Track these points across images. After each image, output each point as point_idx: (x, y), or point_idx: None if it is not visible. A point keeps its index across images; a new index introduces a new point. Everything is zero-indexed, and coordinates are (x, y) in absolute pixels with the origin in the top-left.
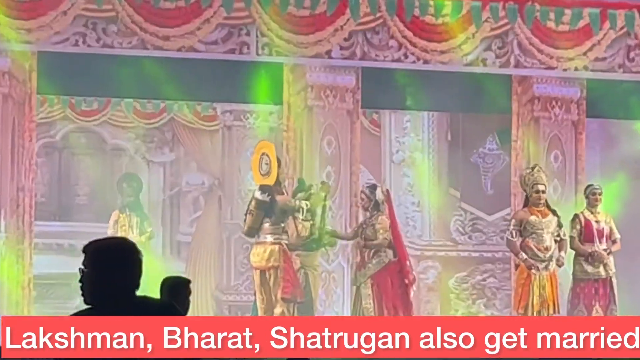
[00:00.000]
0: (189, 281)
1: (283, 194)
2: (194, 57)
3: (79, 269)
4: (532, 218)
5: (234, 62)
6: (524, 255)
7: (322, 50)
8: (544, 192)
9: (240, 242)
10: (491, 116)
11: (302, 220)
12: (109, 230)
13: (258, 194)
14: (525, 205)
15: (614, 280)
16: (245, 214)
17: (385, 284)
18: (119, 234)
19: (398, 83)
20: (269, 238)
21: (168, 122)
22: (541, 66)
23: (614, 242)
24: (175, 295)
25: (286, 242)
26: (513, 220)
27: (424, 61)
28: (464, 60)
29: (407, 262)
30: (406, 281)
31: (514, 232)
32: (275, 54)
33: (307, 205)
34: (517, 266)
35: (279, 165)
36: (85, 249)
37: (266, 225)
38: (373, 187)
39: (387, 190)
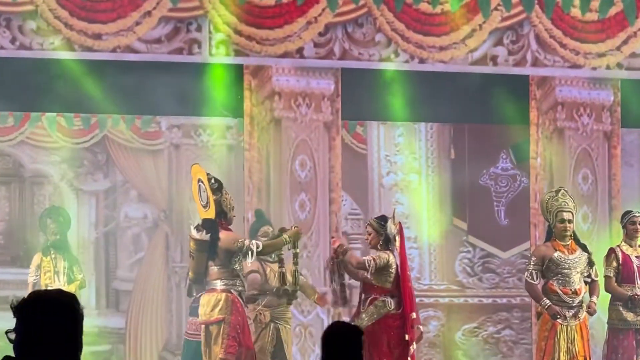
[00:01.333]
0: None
1: (228, 228)
2: (132, 60)
3: (6, 332)
4: (557, 255)
5: (181, 64)
6: (548, 301)
7: (292, 48)
8: (570, 221)
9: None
10: (504, 127)
11: (270, 263)
12: (30, 278)
13: (194, 232)
14: (548, 239)
15: None
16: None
17: (378, 342)
18: (42, 282)
19: (387, 88)
20: (218, 284)
21: (101, 141)
22: (565, 64)
23: None
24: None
25: (241, 288)
26: (533, 258)
27: (420, 60)
28: (469, 58)
29: (412, 315)
30: (406, 337)
31: (534, 272)
32: (234, 54)
33: (258, 247)
34: (539, 315)
35: (215, 191)
36: (15, 309)
37: (213, 269)
38: (383, 219)
39: (400, 224)
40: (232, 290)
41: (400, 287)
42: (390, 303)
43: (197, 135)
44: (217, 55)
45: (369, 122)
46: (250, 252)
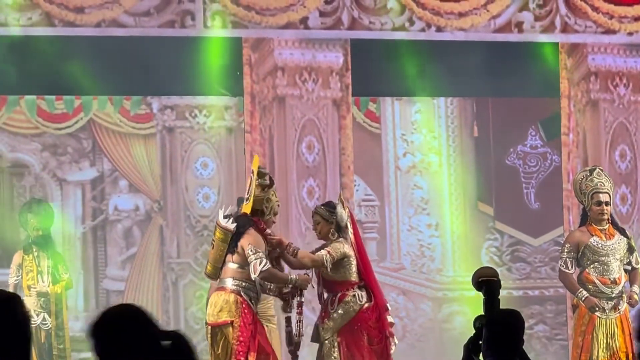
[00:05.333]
0: None
1: (261, 230)
2: (118, 35)
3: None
4: (593, 240)
5: (173, 39)
6: (584, 293)
7: (295, 18)
8: (607, 203)
9: (191, 287)
10: (532, 100)
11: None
12: (11, 279)
13: (221, 218)
14: (583, 223)
15: None
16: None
17: (358, 341)
18: (24, 283)
19: (402, 60)
20: (229, 283)
21: (86, 126)
22: (597, 30)
23: None
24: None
25: (252, 294)
26: (567, 245)
27: (437, 28)
28: (491, 25)
29: (387, 305)
30: (386, 332)
31: (568, 260)
32: (231, 26)
33: (263, 266)
34: (574, 307)
35: (263, 188)
36: (90, 332)
37: (230, 265)
38: (330, 206)
39: (349, 208)
40: (242, 293)
41: (363, 278)
42: (361, 296)
43: (192, 116)
44: (213, 27)
45: (383, 98)
46: (253, 268)
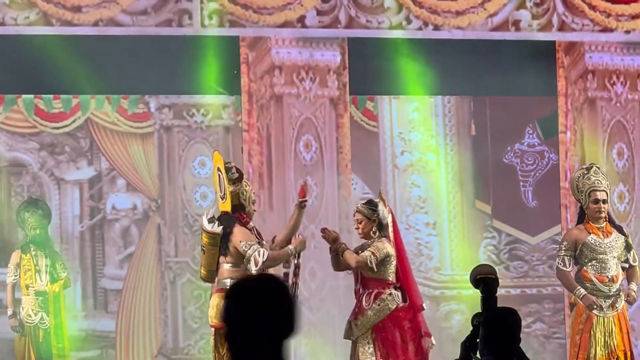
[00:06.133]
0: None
1: (246, 224)
2: (116, 34)
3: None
4: (591, 238)
5: (171, 38)
6: (582, 291)
7: (292, 17)
8: (605, 201)
9: (189, 287)
10: (529, 99)
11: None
12: (9, 278)
13: (205, 224)
14: (580, 221)
15: None
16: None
17: (392, 339)
18: (22, 282)
19: (399, 58)
20: (228, 284)
21: (84, 125)
22: (595, 28)
23: None
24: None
25: None
26: (565, 243)
27: (434, 27)
28: (488, 23)
29: (423, 305)
30: (422, 333)
31: (566, 258)
32: (228, 25)
33: (263, 256)
34: (572, 306)
35: (234, 182)
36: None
37: (225, 266)
38: (372, 204)
39: (389, 206)
40: None
41: (401, 278)
42: (398, 296)
43: (190, 115)
44: (210, 26)
45: (380, 96)
46: (253, 261)
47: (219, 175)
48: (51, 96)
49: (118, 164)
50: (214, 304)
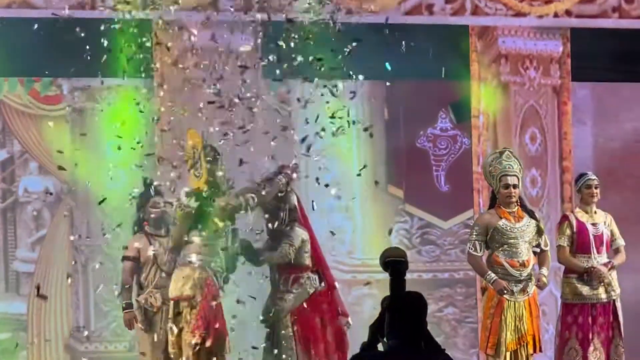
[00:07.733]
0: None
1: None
2: (27, 16)
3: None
4: (502, 223)
5: (84, 20)
6: (493, 275)
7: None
8: (516, 186)
9: (101, 270)
10: (442, 83)
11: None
12: None
13: (183, 197)
14: (492, 206)
15: (619, 305)
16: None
17: (311, 322)
18: None
19: (306, 41)
20: (194, 259)
21: None
22: (507, 13)
23: (616, 251)
24: None
25: (218, 269)
26: (476, 227)
27: (347, 10)
28: (401, 8)
29: (336, 289)
30: (340, 317)
31: (477, 243)
32: (141, 8)
33: (253, 200)
34: (484, 290)
35: (212, 161)
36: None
37: (194, 241)
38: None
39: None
40: (207, 268)
41: (316, 261)
42: (315, 280)
43: (102, 98)
44: (123, 9)
45: (290, 80)
46: (248, 206)
47: (194, 151)
48: None
49: (30, 146)
50: (176, 277)
